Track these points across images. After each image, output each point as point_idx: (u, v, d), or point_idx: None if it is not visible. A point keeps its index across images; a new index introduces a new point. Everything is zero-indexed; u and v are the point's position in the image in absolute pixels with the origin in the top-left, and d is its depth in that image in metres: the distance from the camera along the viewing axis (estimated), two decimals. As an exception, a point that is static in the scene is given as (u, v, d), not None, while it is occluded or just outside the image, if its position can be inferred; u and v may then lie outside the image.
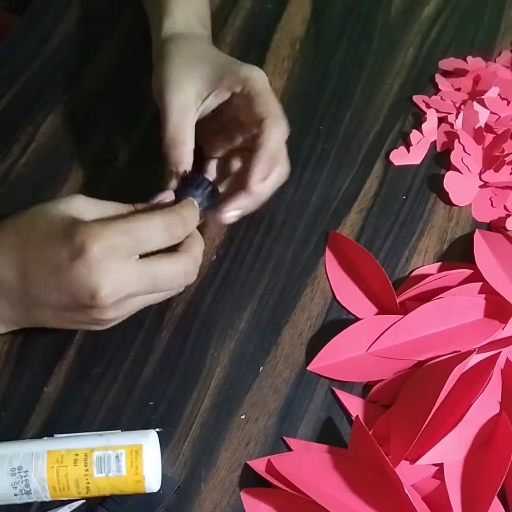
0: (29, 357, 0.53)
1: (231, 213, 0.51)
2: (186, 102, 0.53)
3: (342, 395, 0.51)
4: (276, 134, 0.51)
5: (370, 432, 0.47)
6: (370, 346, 0.52)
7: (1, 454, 0.45)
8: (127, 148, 0.63)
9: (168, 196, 0.50)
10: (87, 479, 0.44)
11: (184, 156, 0.51)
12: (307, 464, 0.47)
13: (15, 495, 0.45)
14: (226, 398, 0.51)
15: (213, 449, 0.49)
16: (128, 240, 0.43)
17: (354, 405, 0.51)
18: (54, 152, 0.62)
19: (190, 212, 0.48)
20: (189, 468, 0.49)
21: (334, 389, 0.52)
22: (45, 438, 0.48)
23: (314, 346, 0.53)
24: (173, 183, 0.51)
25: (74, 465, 0.44)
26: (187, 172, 0.51)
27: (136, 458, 0.45)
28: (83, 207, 0.46)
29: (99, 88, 0.67)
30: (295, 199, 0.60)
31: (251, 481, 0.48)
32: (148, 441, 0.46)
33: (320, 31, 0.71)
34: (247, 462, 0.49)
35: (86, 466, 0.44)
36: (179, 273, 0.46)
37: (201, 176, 0.52)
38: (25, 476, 0.44)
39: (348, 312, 0.55)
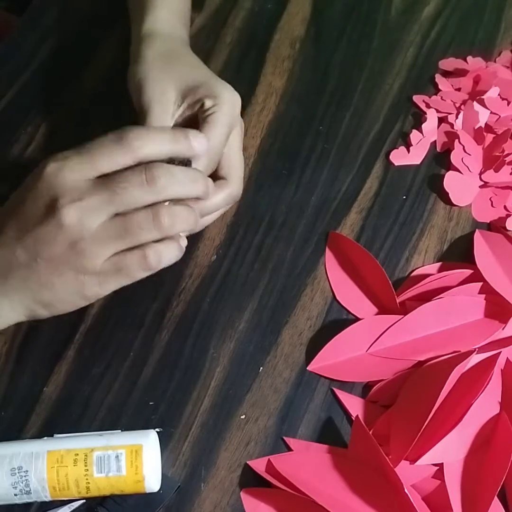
0: (29, 357, 0.53)
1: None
2: (166, 103, 0.52)
3: (342, 395, 0.51)
4: (227, 197, 0.53)
5: (370, 432, 0.47)
6: (370, 346, 0.52)
7: (1, 454, 0.45)
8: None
9: None
10: (87, 479, 0.44)
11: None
12: (307, 464, 0.47)
13: (15, 495, 0.45)
14: (226, 398, 0.51)
15: (213, 449, 0.49)
16: (80, 156, 0.44)
17: (354, 405, 0.51)
18: (54, 152, 0.62)
19: (144, 129, 0.46)
20: (189, 468, 0.49)
21: (334, 389, 0.52)
22: (45, 438, 0.48)
23: (314, 346, 0.53)
24: None
25: (74, 465, 0.44)
26: None
27: (136, 458, 0.45)
28: None
29: (99, 88, 0.67)
30: (295, 199, 0.60)
31: (251, 481, 0.48)
32: (148, 441, 0.46)
33: (320, 31, 0.71)
34: (247, 462, 0.49)
35: (86, 466, 0.44)
36: (139, 175, 0.43)
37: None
38: (25, 476, 0.44)
39: (348, 312, 0.55)
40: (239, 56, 0.58)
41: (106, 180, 0.43)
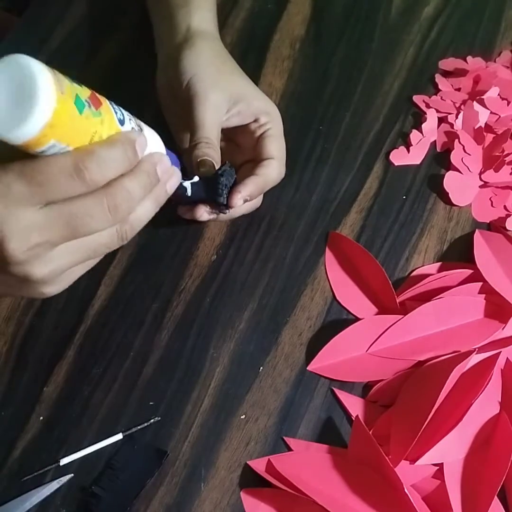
0: (29, 357, 0.53)
1: (206, 214, 0.52)
2: (217, 110, 0.53)
3: (342, 395, 0.51)
4: (275, 175, 0.54)
5: (370, 432, 0.47)
6: (370, 346, 0.52)
7: None
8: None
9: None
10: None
11: (219, 157, 0.51)
12: (307, 464, 0.47)
13: None
14: (226, 398, 0.51)
15: (213, 449, 0.49)
16: (24, 184, 0.36)
17: (354, 405, 0.51)
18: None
19: (110, 149, 0.37)
20: (189, 468, 0.49)
21: (334, 389, 0.52)
22: None
23: (314, 346, 0.53)
24: (205, 170, 0.50)
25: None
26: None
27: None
28: None
29: (99, 88, 0.66)
30: (295, 199, 0.60)
31: (251, 481, 0.48)
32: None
33: (320, 31, 0.71)
34: (247, 462, 0.49)
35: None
36: (99, 207, 0.37)
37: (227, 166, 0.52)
38: None
39: (348, 312, 0.55)
40: (239, 56, 0.58)
41: (63, 211, 0.37)
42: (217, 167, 0.50)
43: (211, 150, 0.50)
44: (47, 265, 0.38)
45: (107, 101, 0.41)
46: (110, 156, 0.37)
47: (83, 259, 0.40)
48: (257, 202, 0.56)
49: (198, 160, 0.50)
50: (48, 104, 0.35)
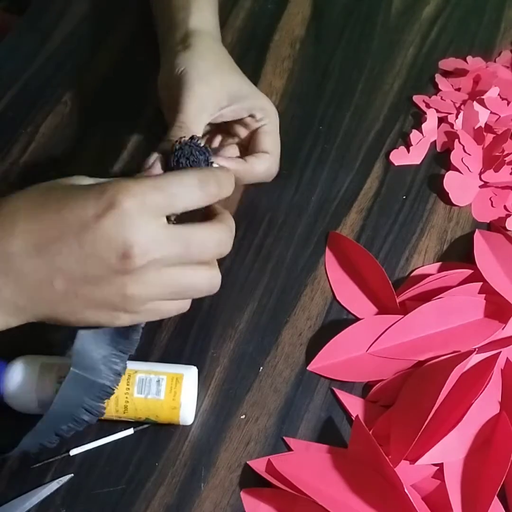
0: (29, 357, 0.53)
1: None
2: (204, 97, 0.52)
3: (342, 395, 0.51)
4: (264, 170, 0.54)
5: (370, 432, 0.47)
6: (370, 346, 0.52)
7: (50, 362, 0.48)
8: (127, 148, 0.63)
9: (153, 159, 0.47)
10: (126, 397, 0.47)
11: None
12: (307, 464, 0.47)
13: None
14: (226, 398, 0.51)
15: (213, 449, 0.49)
16: (161, 195, 0.39)
17: (354, 405, 0.51)
18: (54, 152, 0.62)
19: (224, 173, 0.43)
20: (189, 468, 0.49)
21: (334, 389, 0.52)
22: None
23: (314, 346, 0.53)
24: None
25: None
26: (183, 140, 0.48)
27: (176, 385, 0.47)
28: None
29: (99, 88, 0.67)
30: (295, 199, 0.60)
31: (251, 481, 0.48)
32: (189, 373, 0.48)
33: (320, 31, 0.71)
34: (247, 462, 0.49)
35: (127, 385, 0.47)
36: (212, 239, 0.41)
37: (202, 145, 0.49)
38: None
39: (348, 312, 0.55)
40: (239, 56, 0.58)
41: (182, 235, 0.40)
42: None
43: (182, 133, 0.49)
44: (142, 286, 0.39)
45: None
46: (226, 180, 0.43)
47: (171, 293, 0.41)
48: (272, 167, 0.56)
49: (165, 141, 0.48)
50: None
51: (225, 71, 0.55)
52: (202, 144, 0.46)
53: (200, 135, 0.50)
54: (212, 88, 0.53)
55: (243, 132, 0.56)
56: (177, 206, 0.40)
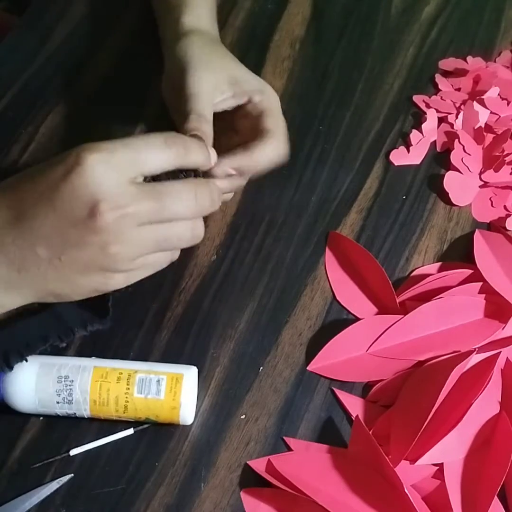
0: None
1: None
2: (210, 89, 0.52)
3: (342, 395, 0.51)
4: (272, 153, 0.51)
5: (370, 432, 0.47)
6: (370, 346, 0.52)
7: (50, 362, 0.48)
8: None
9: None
10: (127, 397, 0.47)
11: (211, 133, 0.49)
12: (307, 464, 0.47)
13: (57, 402, 0.47)
14: (226, 398, 0.51)
15: (213, 449, 0.49)
16: (127, 151, 0.39)
17: (354, 405, 0.51)
18: (54, 152, 0.62)
19: (195, 140, 0.44)
20: (189, 468, 0.49)
21: (334, 389, 0.52)
22: (93, 357, 0.50)
23: (314, 346, 0.53)
24: None
25: (116, 382, 0.47)
26: None
27: (176, 384, 0.47)
28: None
29: (99, 88, 0.67)
30: (295, 199, 0.60)
31: (251, 481, 0.48)
32: (189, 373, 0.48)
33: (320, 31, 0.71)
34: (247, 462, 0.49)
35: (128, 385, 0.47)
36: (187, 190, 0.41)
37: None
38: (70, 385, 0.47)
39: (348, 312, 0.55)
40: (239, 56, 0.58)
41: (154, 190, 0.40)
42: (209, 143, 0.47)
43: (203, 124, 0.49)
44: (123, 244, 0.40)
45: None
46: (194, 143, 0.43)
47: (154, 247, 0.42)
48: (240, 183, 0.53)
49: (189, 134, 0.48)
50: None
51: (222, 58, 0.55)
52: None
53: (211, 119, 0.50)
54: (213, 72, 0.52)
55: (245, 124, 0.55)
56: (144, 163, 0.40)
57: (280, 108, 0.54)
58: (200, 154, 0.44)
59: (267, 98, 0.54)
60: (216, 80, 0.52)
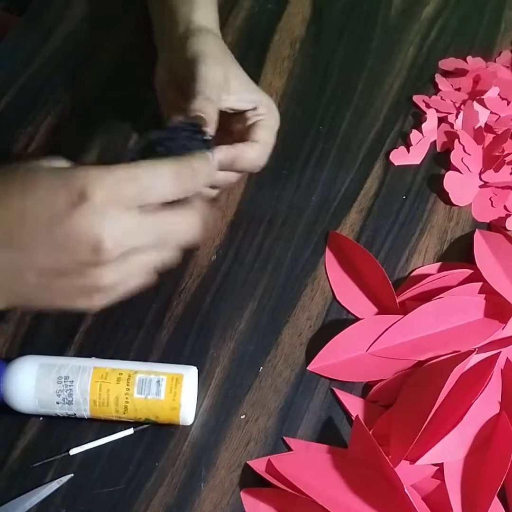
0: (29, 357, 0.53)
1: None
2: (223, 79, 0.52)
3: (342, 395, 0.51)
4: (253, 157, 0.51)
5: (370, 432, 0.47)
6: (370, 346, 0.52)
7: (50, 362, 0.48)
8: (127, 147, 0.63)
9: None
10: (127, 398, 0.47)
11: (216, 116, 0.49)
12: (307, 464, 0.47)
13: (57, 403, 0.47)
14: (226, 398, 0.51)
15: (213, 449, 0.49)
16: (133, 187, 0.38)
17: (354, 405, 0.51)
18: (54, 152, 0.62)
19: (202, 164, 0.42)
20: (189, 468, 0.49)
21: (334, 389, 0.52)
22: (93, 358, 0.50)
23: (314, 346, 0.53)
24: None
25: (116, 383, 0.47)
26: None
27: (176, 385, 0.47)
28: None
29: (99, 88, 0.67)
30: (295, 199, 0.60)
31: (251, 481, 0.48)
32: (189, 373, 0.48)
33: (320, 31, 0.71)
34: (247, 462, 0.49)
35: (127, 385, 0.47)
36: (185, 223, 0.41)
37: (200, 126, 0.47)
38: (70, 386, 0.47)
39: (348, 312, 0.55)
40: (239, 56, 0.58)
41: (157, 222, 0.39)
42: (212, 126, 0.47)
43: (209, 106, 0.48)
44: (115, 274, 0.39)
45: None
46: (202, 172, 0.42)
47: (147, 267, 0.41)
48: (230, 178, 0.53)
49: (193, 115, 0.47)
50: None
51: (234, 65, 0.55)
52: (206, 134, 0.45)
53: (217, 105, 0.50)
54: (223, 67, 0.52)
55: (239, 128, 0.55)
56: (150, 198, 0.39)
57: (277, 127, 0.54)
58: (207, 180, 0.42)
59: (269, 114, 0.54)
60: (227, 76, 0.52)
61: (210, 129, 0.48)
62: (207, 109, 0.48)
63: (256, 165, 0.53)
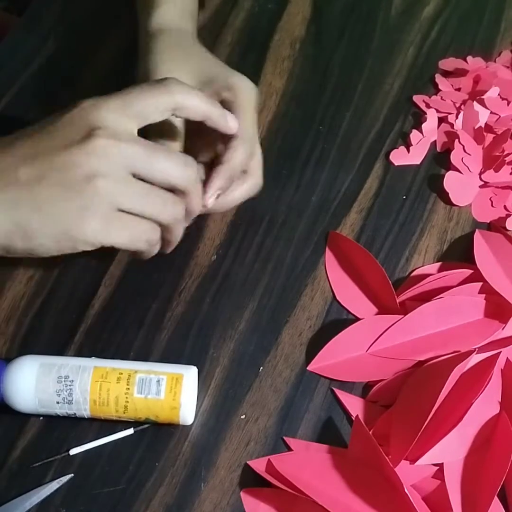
0: (29, 357, 0.53)
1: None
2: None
3: (342, 395, 0.51)
4: (240, 155, 0.49)
5: (370, 432, 0.47)
6: (370, 346, 0.52)
7: (50, 362, 0.48)
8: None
9: None
10: (127, 397, 0.47)
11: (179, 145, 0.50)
12: (307, 464, 0.47)
13: (57, 402, 0.47)
14: (226, 398, 0.51)
15: (213, 449, 0.49)
16: (121, 96, 0.43)
17: (354, 405, 0.51)
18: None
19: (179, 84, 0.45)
20: (189, 468, 0.49)
21: (334, 389, 0.52)
22: (93, 357, 0.50)
23: (314, 346, 0.53)
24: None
25: (116, 382, 0.47)
26: None
27: (176, 385, 0.47)
28: None
29: (99, 88, 0.66)
30: (295, 199, 0.60)
31: (251, 481, 0.48)
32: (189, 373, 0.48)
33: (320, 31, 0.71)
34: (247, 462, 0.49)
35: (127, 385, 0.47)
36: (178, 158, 0.44)
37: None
38: (70, 385, 0.47)
39: (348, 312, 0.55)
40: (239, 56, 0.58)
41: (150, 143, 0.43)
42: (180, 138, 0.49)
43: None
44: (109, 179, 0.40)
45: None
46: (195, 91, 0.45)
47: (138, 201, 0.42)
48: (255, 182, 0.52)
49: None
50: None
51: (192, 61, 0.53)
52: None
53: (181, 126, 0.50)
54: (187, 76, 0.50)
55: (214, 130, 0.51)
56: (137, 104, 0.43)
57: (252, 104, 0.51)
58: (191, 97, 0.45)
59: (236, 96, 0.51)
60: (186, 80, 0.50)
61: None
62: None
63: (248, 160, 0.51)
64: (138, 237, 0.44)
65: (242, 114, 0.50)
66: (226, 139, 0.50)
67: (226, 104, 0.50)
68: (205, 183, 0.48)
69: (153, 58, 0.53)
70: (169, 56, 0.53)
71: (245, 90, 0.51)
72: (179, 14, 0.58)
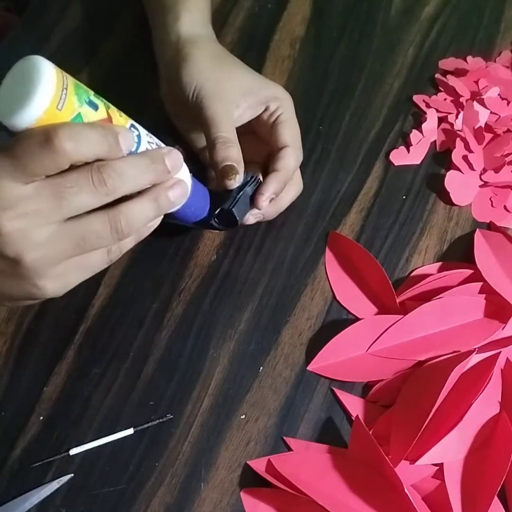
0: (29, 357, 0.53)
1: (250, 219, 0.53)
2: (228, 107, 0.52)
3: (342, 395, 0.51)
4: (293, 163, 0.53)
5: (370, 432, 0.47)
6: (370, 346, 0.52)
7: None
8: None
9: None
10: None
11: (241, 156, 0.50)
12: (307, 464, 0.47)
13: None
14: (226, 398, 0.51)
15: (213, 449, 0.49)
16: (9, 158, 0.36)
17: (354, 405, 0.51)
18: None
19: (87, 127, 0.38)
20: (189, 468, 0.49)
21: (334, 389, 0.52)
22: None
23: (314, 346, 0.53)
24: (239, 178, 0.49)
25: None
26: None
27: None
28: None
29: (99, 88, 0.66)
30: (295, 199, 0.60)
31: (251, 481, 0.48)
32: None
33: (320, 31, 0.71)
34: (247, 462, 0.49)
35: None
36: (84, 179, 0.37)
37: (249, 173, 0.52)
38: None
39: (348, 312, 0.55)
40: (239, 56, 0.58)
41: (50, 183, 0.37)
42: (241, 168, 0.49)
43: (231, 150, 0.49)
44: (36, 249, 0.38)
45: (126, 118, 0.42)
46: (85, 133, 0.37)
47: (74, 248, 0.39)
48: (298, 188, 0.57)
49: (221, 166, 0.49)
50: (47, 93, 0.37)
51: (232, 71, 0.55)
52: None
53: (236, 140, 0.50)
54: (229, 92, 0.52)
55: (263, 131, 0.55)
56: (30, 171, 0.36)
57: (294, 112, 0.55)
58: (83, 146, 0.37)
59: (282, 106, 0.54)
60: (229, 97, 0.52)
61: (241, 168, 0.49)
62: (231, 153, 0.49)
63: (297, 166, 0.55)
64: (98, 265, 0.42)
65: (289, 123, 0.54)
66: (273, 144, 0.53)
67: (271, 114, 0.54)
68: (258, 188, 0.51)
69: (196, 65, 0.53)
70: (211, 65, 0.54)
71: (287, 100, 0.55)
72: (206, 23, 0.59)
